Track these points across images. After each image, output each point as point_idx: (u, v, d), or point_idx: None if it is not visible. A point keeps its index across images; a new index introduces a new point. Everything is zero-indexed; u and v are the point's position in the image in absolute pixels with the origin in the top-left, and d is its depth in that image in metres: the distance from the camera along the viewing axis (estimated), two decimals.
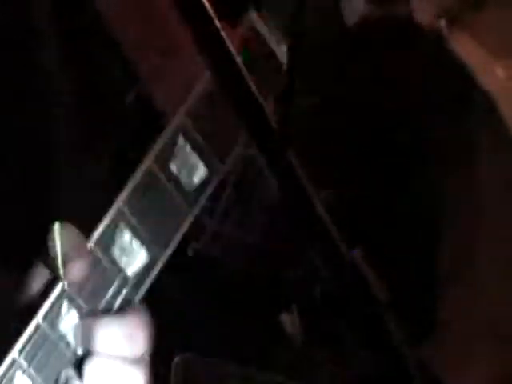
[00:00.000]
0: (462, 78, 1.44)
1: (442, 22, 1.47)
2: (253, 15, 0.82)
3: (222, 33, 0.66)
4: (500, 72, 1.43)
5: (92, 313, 0.67)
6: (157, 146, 0.70)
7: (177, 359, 1.01)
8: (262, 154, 0.69)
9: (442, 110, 1.36)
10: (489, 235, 1.25)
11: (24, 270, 0.68)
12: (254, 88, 0.68)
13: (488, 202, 1.25)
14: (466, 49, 1.49)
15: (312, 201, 0.71)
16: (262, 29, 0.82)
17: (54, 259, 0.65)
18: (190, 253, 1.08)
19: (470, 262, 1.20)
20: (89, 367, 0.66)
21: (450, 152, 1.28)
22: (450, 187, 1.23)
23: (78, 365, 0.67)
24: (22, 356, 0.63)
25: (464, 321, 1.22)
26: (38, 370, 0.64)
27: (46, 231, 0.66)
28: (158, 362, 0.71)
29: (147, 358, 0.68)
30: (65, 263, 0.65)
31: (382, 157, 1.22)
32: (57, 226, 0.66)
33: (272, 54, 0.83)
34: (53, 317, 0.65)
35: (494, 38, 1.54)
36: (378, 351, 0.71)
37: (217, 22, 0.66)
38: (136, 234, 0.68)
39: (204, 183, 0.73)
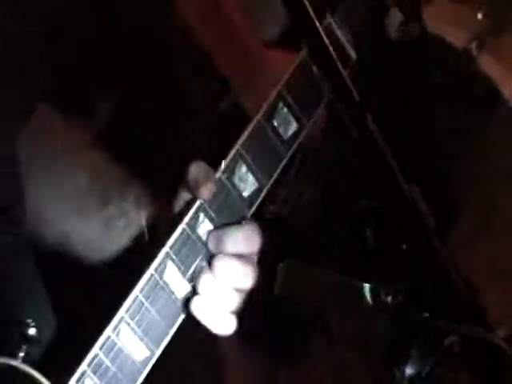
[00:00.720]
0: (488, 90, 1.71)
1: (473, 45, 1.73)
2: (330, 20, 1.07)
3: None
4: None
5: (220, 221, 0.91)
6: (264, 106, 0.96)
7: (281, 264, 1.24)
8: (344, 110, 0.94)
9: (470, 114, 1.62)
10: None
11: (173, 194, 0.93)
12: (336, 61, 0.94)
13: None
14: (491, 67, 1.76)
15: (380, 147, 0.95)
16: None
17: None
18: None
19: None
20: (218, 263, 0.89)
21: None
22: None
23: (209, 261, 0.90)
24: (172, 250, 0.87)
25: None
26: (182, 261, 0.88)
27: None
28: (266, 266, 0.95)
29: (258, 257, 0.91)
30: (200, 186, 0.89)
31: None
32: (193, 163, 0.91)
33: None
34: (193, 224, 0.89)
35: None
36: (429, 265, 0.94)
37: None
38: (249, 167, 0.93)
39: (295, 134, 0.98)
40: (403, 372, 0.83)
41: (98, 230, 0.95)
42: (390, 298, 0.99)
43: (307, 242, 1.32)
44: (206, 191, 0.89)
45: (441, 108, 1.56)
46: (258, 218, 0.97)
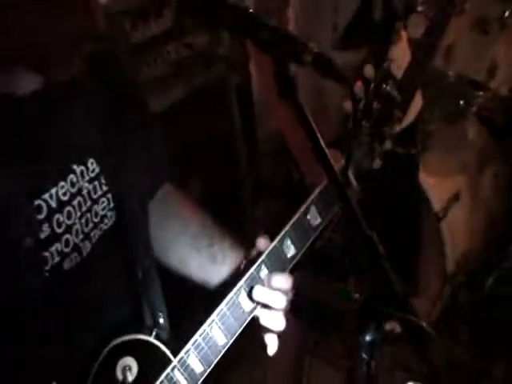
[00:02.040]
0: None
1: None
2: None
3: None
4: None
5: (273, 270, 1.52)
6: (304, 205, 1.58)
7: None
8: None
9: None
10: None
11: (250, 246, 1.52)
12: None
13: None
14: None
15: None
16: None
17: None
18: None
19: None
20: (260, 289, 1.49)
21: None
22: None
23: None
24: (244, 284, 1.43)
25: None
26: (249, 290, 1.47)
27: None
28: None
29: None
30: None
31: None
32: None
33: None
34: (257, 269, 1.45)
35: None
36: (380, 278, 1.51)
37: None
38: (292, 241, 1.55)
39: (319, 224, 1.61)
40: (365, 339, 1.32)
41: (206, 261, 1.54)
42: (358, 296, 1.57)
43: None
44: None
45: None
46: None
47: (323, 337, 2.40)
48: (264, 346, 1.50)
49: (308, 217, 1.54)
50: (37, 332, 1.20)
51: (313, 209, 1.59)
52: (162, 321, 1.40)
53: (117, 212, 1.32)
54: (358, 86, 1.45)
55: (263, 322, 1.44)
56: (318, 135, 1.19)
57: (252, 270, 1.43)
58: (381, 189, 2.03)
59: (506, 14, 2.67)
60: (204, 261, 1.53)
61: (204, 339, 1.35)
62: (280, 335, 1.51)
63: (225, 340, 1.37)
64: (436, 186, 2.52)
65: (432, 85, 2.74)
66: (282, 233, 1.48)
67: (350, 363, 2.22)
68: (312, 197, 1.55)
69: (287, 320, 1.56)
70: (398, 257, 2.20)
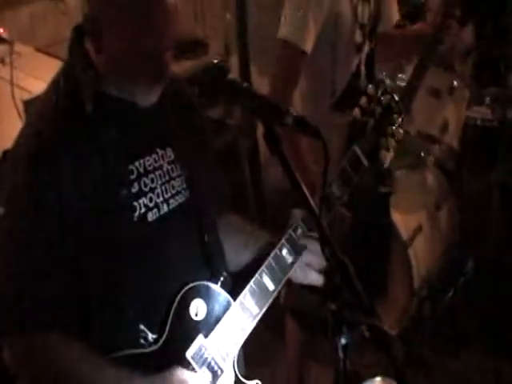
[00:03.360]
0: None
1: None
2: None
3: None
4: None
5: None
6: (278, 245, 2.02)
7: None
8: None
9: None
10: None
11: None
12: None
13: None
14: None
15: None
16: None
17: None
18: None
19: None
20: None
21: None
22: None
23: None
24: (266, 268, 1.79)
25: None
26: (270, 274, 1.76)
27: None
28: None
29: None
30: None
31: None
32: None
33: None
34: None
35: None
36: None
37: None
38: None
39: (293, 263, 1.95)
40: (340, 341, 1.36)
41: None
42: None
43: None
44: None
45: None
46: None
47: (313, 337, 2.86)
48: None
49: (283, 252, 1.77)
50: (126, 272, 1.53)
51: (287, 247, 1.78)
52: (225, 273, 1.73)
53: (190, 191, 1.66)
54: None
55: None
56: (302, 184, 1.39)
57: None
58: (360, 219, 2.52)
59: (455, 83, 3.27)
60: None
61: (257, 285, 1.69)
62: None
63: (273, 286, 1.72)
64: (402, 220, 3.08)
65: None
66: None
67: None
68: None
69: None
70: (373, 275, 2.78)
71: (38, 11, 3.77)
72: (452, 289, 3.28)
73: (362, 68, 2.50)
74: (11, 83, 2.93)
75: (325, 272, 1.50)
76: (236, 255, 1.85)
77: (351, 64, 2.45)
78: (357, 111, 1.80)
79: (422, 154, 3.34)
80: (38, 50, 3.35)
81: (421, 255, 3.09)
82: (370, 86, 1.85)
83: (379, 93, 1.80)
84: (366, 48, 2.50)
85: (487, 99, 3.49)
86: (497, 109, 3.36)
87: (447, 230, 3.35)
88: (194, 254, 1.68)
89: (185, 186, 1.67)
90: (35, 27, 3.76)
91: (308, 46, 2.30)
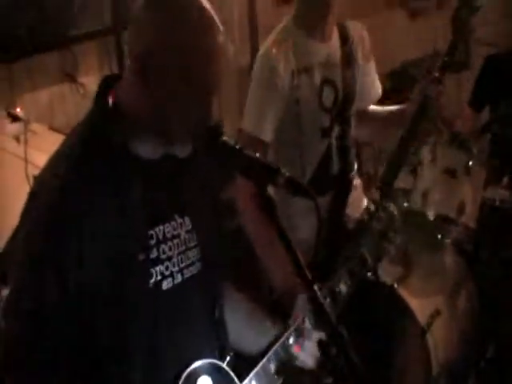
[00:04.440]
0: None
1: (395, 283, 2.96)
2: None
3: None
4: None
5: None
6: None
7: None
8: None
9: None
10: None
11: None
12: None
13: None
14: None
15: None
16: None
17: None
18: None
19: None
20: None
21: None
22: None
23: None
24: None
25: None
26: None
27: None
28: None
29: None
30: None
31: None
32: None
33: None
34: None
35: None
36: None
37: None
38: None
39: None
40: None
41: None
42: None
43: None
44: None
45: None
46: None
47: None
48: None
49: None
50: (134, 339, 1.50)
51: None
52: (231, 352, 1.72)
53: (203, 263, 1.65)
54: None
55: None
56: (293, 246, 1.40)
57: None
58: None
59: (470, 163, 3.24)
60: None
61: (263, 371, 1.71)
62: None
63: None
64: (419, 305, 3.01)
65: (411, 223, 3.28)
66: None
67: None
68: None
69: None
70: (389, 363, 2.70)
71: (57, 93, 3.86)
72: (472, 375, 3.16)
73: (334, 151, 2.47)
74: (25, 160, 2.98)
75: (320, 343, 1.56)
76: (237, 335, 1.83)
77: (318, 149, 2.43)
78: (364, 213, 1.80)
79: (440, 237, 3.31)
80: (53, 128, 3.40)
81: (438, 341, 2.99)
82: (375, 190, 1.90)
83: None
84: (336, 131, 2.48)
85: (505, 180, 3.45)
86: None
87: (465, 313, 3.25)
88: (203, 329, 1.67)
89: (199, 257, 1.66)
90: (54, 108, 3.84)
91: (268, 136, 2.32)
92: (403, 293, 2.99)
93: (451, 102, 4.88)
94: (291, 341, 1.75)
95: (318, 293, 1.42)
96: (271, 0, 4.36)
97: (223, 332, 1.74)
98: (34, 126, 3.25)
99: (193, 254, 1.64)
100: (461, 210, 3.14)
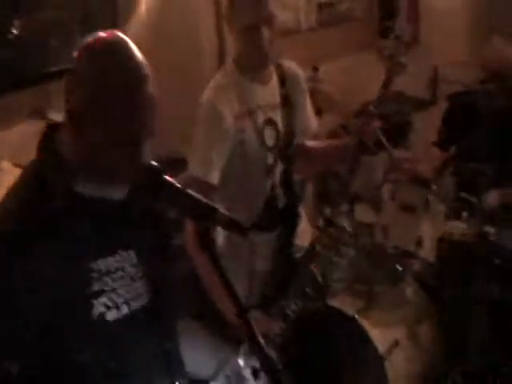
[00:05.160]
0: None
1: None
2: None
3: None
4: None
5: None
6: None
7: None
8: None
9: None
10: None
11: None
12: None
13: None
14: None
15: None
16: None
17: None
18: None
19: None
20: None
21: None
22: None
23: None
24: None
25: None
26: None
27: None
28: None
29: None
30: None
31: None
32: None
33: None
34: None
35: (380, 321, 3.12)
36: None
37: None
38: None
39: None
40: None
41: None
42: None
43: None
44: None
45: None
46: None
47: None
48: None
49: None
50: (85, 365, 1.52)
51: None
52: (182, 380, 1.77)
53: (152, 295, 1.71)
54: None
55: None
56: (231, 282, 1.46)
57: None
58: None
59: (430, 198, 3.35)
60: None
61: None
62: None
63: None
64: (381, 335, 3.08)
65: (373, 256, 3.38)
66: None
67: None
68: None
69: None
70: None
71: (29, 131, 3.90)
72: None
73: (279, 188, 2.56)
74: None
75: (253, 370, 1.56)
76: (196, 363, 1.90)
77: (264, 186, 2.51)
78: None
79: (400, 269, 3.40)
80: (18, 165, 3.44)
81: (400, 373, 3.06)
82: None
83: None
84: (280, 167, 2.56)
85: (464, 214, 3.55)
86: (473, 223, 3.41)
87: (428, 344, 3.32)
88: (153, 359, 1.71)
89: (147, 289, 1.71)
90: (26, 146, 3.87)
91: (214, 179, 2.42)
92: (364, 323, 3.07)
93: (419, 142, 5.07)
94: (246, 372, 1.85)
95: (252, 322, 1.47)
96: None
97: (175, 361, 1.78)
98: (4, 164, 3.29)
99: (139, 286, 1.70)
100: (419, 244, 3.25)
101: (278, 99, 2.60)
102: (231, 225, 1.50)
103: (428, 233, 3.30)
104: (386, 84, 2.59)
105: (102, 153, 1.58)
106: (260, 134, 2.51)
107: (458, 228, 3.53)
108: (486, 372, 3.31)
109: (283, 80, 2.64)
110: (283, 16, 4.70)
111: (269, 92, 2.60)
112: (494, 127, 3.38)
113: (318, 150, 2.81)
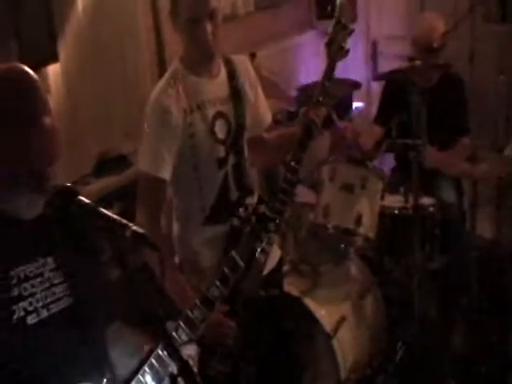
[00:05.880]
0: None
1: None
2: None
3: None
4: None
5: None
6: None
7: None
8: None
9: None
10: None
11: None
12: None
13: None
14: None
15: None
16: None
17: None
18: None
19: None
20: None
21: None
22: None
23: None
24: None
25: None
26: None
27: None
28: None
29: None
30: None
31: None
32: None
33: None
34: None
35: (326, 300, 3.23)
36: None
37: None
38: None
39: None
40: None
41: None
42: None
43: None
44: None
45: None
46: None
47: None
48: None
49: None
50: (6, 374, 1.62)
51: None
52: (108, 375, 1.85)
53: (73, 298, 1.80)
54: None
55: None
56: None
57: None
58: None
59: (367, 176, 3.45)
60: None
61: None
62: None
63: None
64: (326, 314, 3.20)
65: (316, 236, 3.49)
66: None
67: None
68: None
69: None
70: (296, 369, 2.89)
71: None
72: (382, 375, 3.38)
73: (231, 180, 2.62)
74: None
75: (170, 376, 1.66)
76: (124, 362, 1.97)
77: (216, 179, 2.58)
78: (235, 220, 1.96)
79: (343, 247, 3.53)
80: None
81: (347, 345, 3.20)
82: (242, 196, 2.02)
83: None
84: (232, 160, 2.62)
85: (401, 188, 3.68)
86: (410, 196, 3.54)
87: (373, 318, 3.47)
88: (77, 358, 1.80)
89: (68, 292, 1.81)
90: None
91: (166, 174, 2.47)
92: (311, 303, 3.20)
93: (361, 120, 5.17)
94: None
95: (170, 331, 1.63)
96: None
97: (101, 360, 1.87)
98: None
99: (59, 290, 1.79)
100: (358, 221, 3.34)
101: (227, 93, 2.64)
102: (140, 239, 1.55)
103: (366, 209, 3.38)
104: (329, 71, 2.61)
105: (4, 181, 1.67)
106: (210, 127, 2.55)
107: (397, 202, 3.67)
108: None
109: (232, 73, 2.67)
110: (220, 2, 4.72)
111: (217, 86, 2.60)
112: (423, 104, 3.46)
113: (273, 141, 2.86)
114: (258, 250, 2.02)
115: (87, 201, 1.62)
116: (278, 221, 2.06)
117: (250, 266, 2.07)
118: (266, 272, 2.57)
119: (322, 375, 3.14)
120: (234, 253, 2.02)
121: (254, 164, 2.79)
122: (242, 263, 1.98)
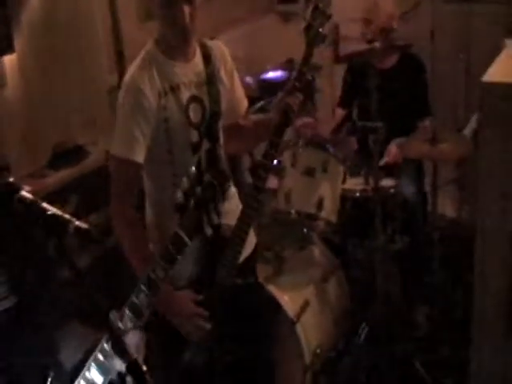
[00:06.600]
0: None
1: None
2: None
3: None
4: None
5: None
6: None
7: None
8: None
9: None
10: None
11: None
12: None
13: None
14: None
15: None
16: None
17: None
18: None
19: None
20: None
21: None
22: None
23: None
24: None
25: None
26: None
27: None
28: None
29: None
30: None
31: None
32: None
33: None
34: None
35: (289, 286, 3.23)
36: None
37: None
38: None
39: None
40: None
41: None
42: None
43: None
44: None
45: None
46: None
47: None
48: None
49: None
50: None
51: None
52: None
53: (18, 297, 1.87)
54: None
55: None
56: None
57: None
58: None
59: (328, 160, 3.46)
60: None
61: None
62: None
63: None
64: (289, 300, 3.21)
65: (279, 222, 3.49)
66: None
67: None
68: None
69: None
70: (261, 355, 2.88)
71: None
72: (346, 357, 3.40)
73: (204, 165, 2.59)
74: None
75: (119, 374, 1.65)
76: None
77: (190, 163, 2.55)
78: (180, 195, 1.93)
79: (306, 231, 3.54)
80: None
81: (311, 330, 3.22)
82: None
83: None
84: (206, 145, 2.60)
85: (362, 171, 3.69)
86: (370, 179, 3.55)
87: (336, 300, 3.48)
88: (25, 354, 1.87)
89: (13, 292, 1.89)
90: None
91: (140, 157, 2.44)
92: (274, 290, 3.20)
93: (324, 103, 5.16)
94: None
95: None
96: (135, 16, 4.44)
97: (47, 354, 1.93)
98: None
99: (3, 290, 1.83)
100: (320, 205, 3.35)
101: (202, 77, 2.60)
102: (83, 234, 1.55)
103: (328, 193, 3.38)
104: (307, 56, 2.59)
105: None
106: (184, 110, 2.52)
107: (358, 185, 3.68)
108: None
109: (207, 58, 2.63)
110: None
111: (192, 69, 2.59)
112: (383, 86, 3.47)
113: (249, 128, 2.82)
114: (205, 222, 1.93)
115: (29, 196, 1.59)
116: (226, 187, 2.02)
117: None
118: (241, 260, 2.58)
119: (286, 360, 3.14)
120: (178, 228, 1.94)
121: (229, 150, 2.77)
122: (187, 239, 1.92)
